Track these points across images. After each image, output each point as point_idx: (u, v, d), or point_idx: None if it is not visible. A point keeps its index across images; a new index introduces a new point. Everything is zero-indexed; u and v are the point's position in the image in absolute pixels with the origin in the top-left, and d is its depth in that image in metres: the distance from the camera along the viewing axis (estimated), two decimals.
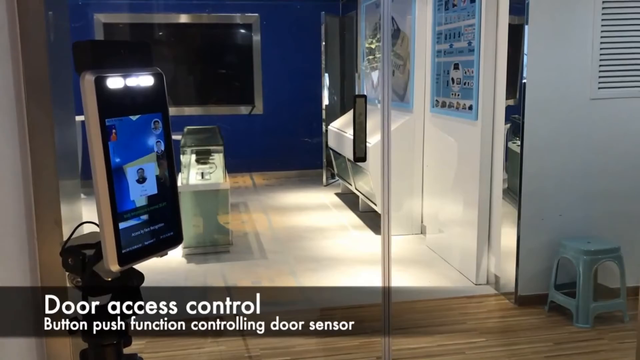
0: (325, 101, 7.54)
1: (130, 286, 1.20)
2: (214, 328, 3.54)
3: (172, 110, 7.37)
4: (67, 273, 1.16)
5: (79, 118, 2.62)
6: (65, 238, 2.16)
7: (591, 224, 3.76)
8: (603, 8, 3.60)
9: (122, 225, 1.07)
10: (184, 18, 7.82)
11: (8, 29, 1.96)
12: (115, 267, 1.07)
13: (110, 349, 1.19)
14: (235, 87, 8.19)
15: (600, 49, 3.64)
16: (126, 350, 1.25)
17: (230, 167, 5.96)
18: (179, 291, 4.56)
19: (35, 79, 2.04)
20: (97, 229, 1.14)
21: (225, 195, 4.94)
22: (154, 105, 1.14)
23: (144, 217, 1.12)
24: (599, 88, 3.68)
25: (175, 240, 1.19)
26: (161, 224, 1.16)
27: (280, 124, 8.03)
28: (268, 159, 8.08)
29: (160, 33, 7.92)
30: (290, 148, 8.08)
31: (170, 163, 1.17)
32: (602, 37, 3.63)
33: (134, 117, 1.09)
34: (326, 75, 7.52)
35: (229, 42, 8.18)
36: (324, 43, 7.38)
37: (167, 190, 1.17)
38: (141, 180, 1.11)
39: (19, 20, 1.97)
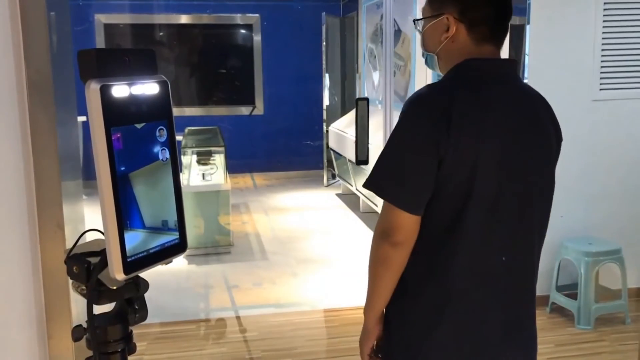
0: (326, 102, 7.53)
1: (135, 294, 1.19)
2: (215, 329, 3.54)
3: (173, 111, 7.34)
4: (71, 281, 1.15)
5: (80, 118, 2.62)
6: (67, 240, 2.15)
7: (592, 226, 3.76)
8: (605, 9, 3.60)
9: (127, 233, 1.07)
10: (184, 19, 7.82)
11: (10, 30, 1.95)
12: (120, 276, 1.06)
13: (115, 356, 1.18)
14: (236, 88, 8.19)
15: (602, 50, 3.64)
16: (131, 358, 1.25)
17: (231, 168, 5.96)
18: (180, 292, 4.57)
19: (38, 80, 2.03)
20: (101, 236, 1.14)
21: (226, 196, 4.94)
22: (159, 113, 1.14)
23: (149, 225, 1.12)
24: (601, 89, 3.68)
25: (180, 247, 1.19)
26: (166, 232, 1.15)
27: (281, 125, 8.02)
28: (269, 159, 8.08)
29: (161, 34, 7.92)
30: (291, 148, 8.08)
31: (175, 170, 1.17)
32: (603, 38, 3.63)
33: (139, 125, 1.09)
34: (327, 75, 7.51)
35: (230, 42, 8.18)
36: (324, 44, 7.38)
37: (172, 198, 1.17)
38: (146, 188, 1.11)
39: (22, 21, 1.97)
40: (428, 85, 1.41)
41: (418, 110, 1.36)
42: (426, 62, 1.52)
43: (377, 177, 1.38)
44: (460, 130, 1.29)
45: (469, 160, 1.30)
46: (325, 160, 7.57)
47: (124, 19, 7.54)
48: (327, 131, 7.15)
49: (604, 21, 3.61)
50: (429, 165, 1.30)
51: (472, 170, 1.30)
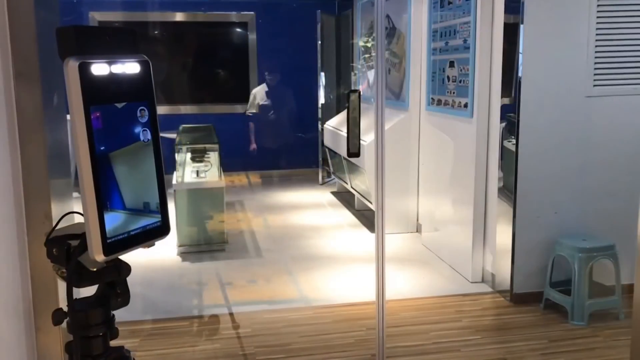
0: (322, 100, 7.52)
1: (116, 277, 1.18)
2: (208, 326, 3.52)
3: (168, 109, 7.37)
4: (52, 264, 1.14)
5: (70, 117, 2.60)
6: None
7: (586, 222, 3.76)
8: (598, 6, 3.60)
9: (107, 214, 1.05)
10: (179, 16, 7.80)
11: None
12: (100, 257, 1.05)
13: (96, 340, 1.17)
14: (231, 86, 8.17)
15: (596, 46, 3.64)
16: (113, 343, 1.23)
17: (226, 166, 5.95)
18: (174, 289, 4.55)
19: (25, 77, 2.02)
20: (82, 219, 1.13)
21: (221, 194, 4.93)
22: (140, 93, 1.12)
23: (130, 206, 1.10)
24: (594, 86, 3.68)
25: (162, 230, 1.17)
26: (147, 214, 1.14)
27: (276, 123, 8.01)
28: (264, 157, 8.07)
29: (156, 31, 7.90)
30: (286, 147, 8.07)
31: (156, 152, 1.15)
32: (597, 34, 3.62)
33: (119, 105, 1.08)
34: (322, 74, 7.51)
35: (225, 40, 8.17)
36: (320, 42, 7.37)
37: (154, 179, 1.15)
38: (127, 168, 1.09)
39: (8, 17, 1.95)
40: None
41: None
42: None
43: None
44: None
45: None
46: (320, 158, 7.56)
47: (118, 16, 7.52)
48: (322, 129, 7.14)
49: (597, 17, 3.60)
50: None
51: None
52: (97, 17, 7.39)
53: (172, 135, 5.67)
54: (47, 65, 2.06)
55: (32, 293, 2.08)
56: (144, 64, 1.12)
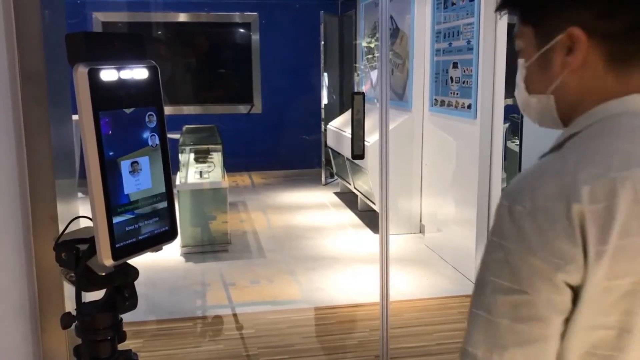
0: (324, 100, 7.52)
1: (124, 281, 1.18)
2: (212, 326, 3.53)
3: (171, 109, 7.36)
4: (60, 268, 1.14)
5: (75, 117, 2.61)
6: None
7: None
8: None
9: (115, 219, 1.06)
10: (182, 17, 7.81)
11: (4, 28, 1.95)
12: (109, 262, 1.05)
13: (104, 344, 1.17)
14: (234, 86, 8.18)
15: None
16: (121, 347, 1.24)
17: (229, 166, 5.96)
18: (177, 290, 4.56)
19: (32, 78, 2.03)
20: (91, 224, 1.13)
21: (224, 194, 4.94)
22: (148, 99, 1.13)
23: (138, 211, 1.11)
24: None
25: (169, 235, 1.18)
26: (155, 219, 1.14)
27: (279, 123, 8.02)
28: (267, 158, 8.07)
29: (159, 32, 7.91)
30: (289, 147, 8.07)
31: (164, 157, 1.16)
32: None
33: (127, 110, 1.08)
34: (325, 74, 7.51)
35: (228, 41, 8.18)
36: (322, 42, 7.38)
37: (162, 184, 1.16)
38: (135, 174, 1.10)
39: (15, 18, 1.96)
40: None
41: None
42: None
43: None
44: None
45: None
46: (323, 159, 7.56)
47: (122, 17, 7.53)
48: (325, 130, 7.14)
49: None
50: None
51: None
52: (100, 17, 7.40)
53: (176, 136, 5.68)
54: (53, 66, 2.06)
55: (38, 294, 2.09)
56: (152, 70, 1.13)
